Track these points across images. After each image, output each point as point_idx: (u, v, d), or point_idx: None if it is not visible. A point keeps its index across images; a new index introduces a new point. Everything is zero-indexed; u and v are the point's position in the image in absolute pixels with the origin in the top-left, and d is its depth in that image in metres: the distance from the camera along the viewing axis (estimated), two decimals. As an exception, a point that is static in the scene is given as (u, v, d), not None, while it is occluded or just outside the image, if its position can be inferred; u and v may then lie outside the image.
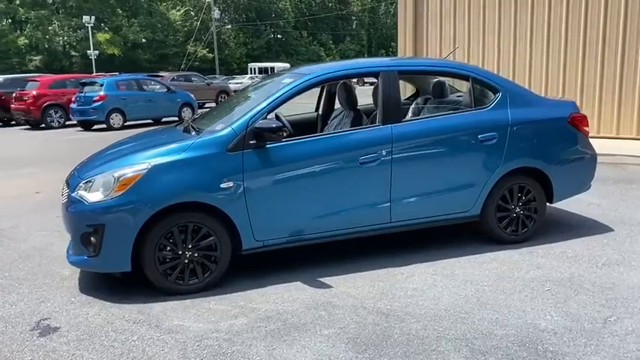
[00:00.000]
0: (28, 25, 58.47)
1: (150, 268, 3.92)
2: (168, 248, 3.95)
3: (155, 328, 3.50)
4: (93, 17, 50.27)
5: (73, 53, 61.21)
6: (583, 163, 5.08)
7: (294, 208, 4.19)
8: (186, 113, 18.39)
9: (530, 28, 10.91)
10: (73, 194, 4.01)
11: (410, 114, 5.75)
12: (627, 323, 3.37)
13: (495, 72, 11.26)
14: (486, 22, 11.42)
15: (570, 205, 5.94)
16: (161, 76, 23.40)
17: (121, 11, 61.12)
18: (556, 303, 3.67)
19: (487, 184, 4.67)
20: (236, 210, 4.01)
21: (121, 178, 3.85)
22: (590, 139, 5.17)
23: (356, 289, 4.01)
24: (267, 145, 4.08)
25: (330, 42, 75.42)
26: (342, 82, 5.10)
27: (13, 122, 19.57)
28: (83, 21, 50.59)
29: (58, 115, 18.19)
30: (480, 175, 4.65)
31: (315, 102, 5.93)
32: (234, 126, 4.08)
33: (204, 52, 59.90)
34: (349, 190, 4.30)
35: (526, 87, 7.21)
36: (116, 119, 16.74)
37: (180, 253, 3.97)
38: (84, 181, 4.01)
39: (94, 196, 3.89)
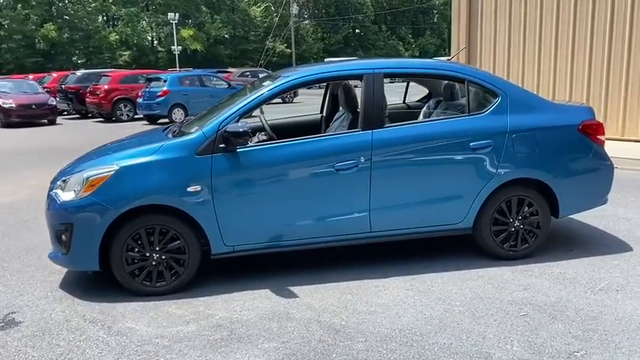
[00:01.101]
0: (119, 22, 61.94)
1: (117, 268, 3.98)
2: (136, 250, 3.98)
3: (107, 329, 3.55)
4: (177, 14, 52.40)
5: (160, 49, 64.25)
6: (596, 174, 4.61)
7: (265, 215, 4.10)
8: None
9: (590, 27, 10.12)
10: (51, 192, 4.15)
11: (421, 117, 5.50)
12: (595, 360, 3.02)
13: (552, 70, 10.61)
14: (543, 18, 10.72)
15: (595, 217, 5.45)
16: (229, 72, 23.95)
17: (205, 8, 63.26)
18: (524, 331, 3.35)
19: (480, 195, 4.35)
20: (204, 214, 3.98)
21: (89, 179, 3.92)
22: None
23: (321, 300, 3.87)
24: (238, 150, 4.01)
25: (410, 36, 74.18)
26: (343, 83, 4.94)
27: (90, 114, 20.78)
28: (168, 18, 52.92)
29: (127, 108, 19.10)
30: (471, 186, 4.34)
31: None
32: (204, 129, 4.05)
33: (283, 47, 60.88)
34: (324, 198, 4.15)
35: (533, 91, 6.67)
36: (178, 114, 17.32)
37: (148, 255, 4.00)
38: (61, 180, 4.13)
39: (66, 195, 4.00)
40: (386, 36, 72.03)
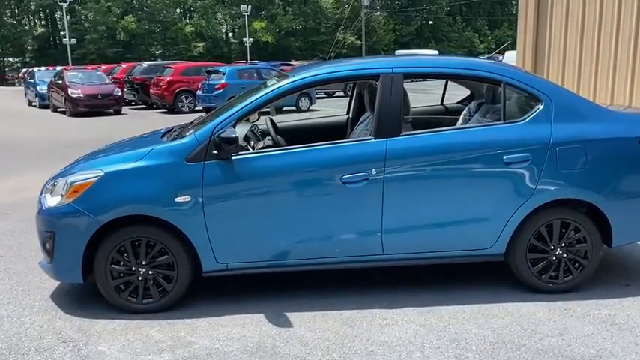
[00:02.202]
0: (195, 14, 63.43)
1: (101, 281, 3.68)
2: (122, 263, 3.67)
3: (75, 351, 3.25)
4: (250, 6, 53.02)
5: (232, 41, 65.38)
6: (661, 197, 3.85)
7: (262, 231, 3.67)
8: (304, 103, 18.38)
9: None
10: (40, 196, 3.91)
11: (460, 121, 4.88)
12: None
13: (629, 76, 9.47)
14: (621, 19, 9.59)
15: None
16: (291, 64, 23.72)
17: (277, 0, 63.61)
18: (548, 394, 2.74)
19: (514, 217, 3.72)
20: (193, 228, 3.60)
21: (73, 184, 3.64)
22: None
23: (317, 332, 3.40)
24: (233, 157, 3.59)
25: (486, 28, 71.34)
26: (369, 82, 4.43)
27: (154, 105, 21.18)
28: (241, 10, 53.62)
29: (188, 100, 19.26)
30: (504, 206, 3.71)
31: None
32: (197, 133, 3.66)
33: (353, 39, 60.15)
34: (330, 214, 3.67)
35: (606, 100, 5.74)
36: (235, 106, 17.21)
37: (134, 269, 3.67)
38: (51, 183, 3.88)
39: (53, 200, 3.74)
40: (461, 27, 69.66)
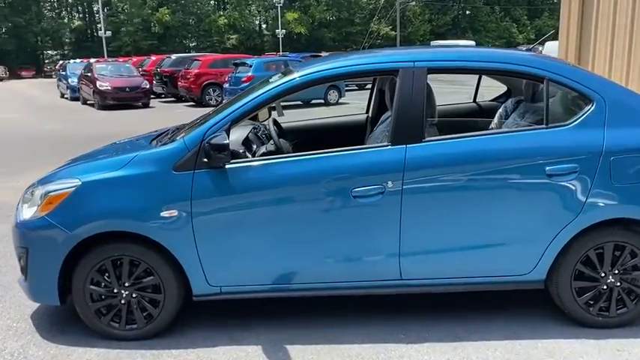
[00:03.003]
0: (228, 6, 63.39)
1: (80, 305, 3.26)
2: (102, 284, 3.24)
3: (42, 389, 2.84)
4: (283, -2, 52.64)
5: (265, 32, 65.16)
6: None
7: (260, 251, 3.19)
8: (332, 96, 17.82)
9: None
10: (18, 205, 3.51)
11: (495, 122, 4.30)
12: None
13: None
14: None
15: None
16: (319, 56, 23.17)
17: (310, -10, 63.03)
18: None
19: (557, 238, 3.13)
20: (181, 246, 3.14)
21: (49, 195, 3.21)
22: None
23: (320, 372, 2.91)
24: (227, 166, 3.11)
25: (525, 17, 69.14)
26: (390, 78, 3.88)
27: (183, 98, 20.96)
28: (274, 1, 53.26)
29: (215, 93, 18.92)
30: (545, 225, 3.13)
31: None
32: (186, 138, 3.19)
33: (387, 29, 59.10)
34: (338, 232, 3.15)
35: None
36: (262, 100, 16.79)
37: (116, 291, 3.24)
38: (29, 192, 3.46)
39: (28, 211, 3.32)
40: (499, 17, 67.70)
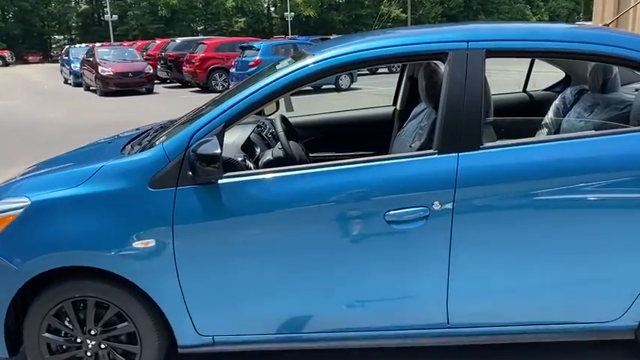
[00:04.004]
0: (236, -12, 62.21)
1: (34, 356, 2.54)
2: (62, 332, 2.52)
3: None
4: (291, -21, 51.49)
5: (274, 15, 64.00)
6: None
7: (264, 289, 2.44)
8: (344, 81, 16.93)
9: None
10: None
11: (550, 116, 3.52)
12: None
13: None
14: None
15: None
16: (328, 39, 22.25)
17: (320, -28, 61.65)
18: None
19: (658, 276, 2.36)
20: (160, 285, 2.41)
21: (-9, 218, 2.48)
22: None
23: None
24: (220, 181, 2.35)
25: (539, -2, 67.42)
26: (425, 63, 3.10)
27: (188, 83, 20.17)
28: (282, -17, 52.15)
29: (222, 78, 18.10)
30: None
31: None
32: (166, 144, 2.42)
33: (398, 12, 57.67)
34: (366, 268, 2.40)
35: None
36: (271, 85, 15.97)
37: (80, 340, 2.52)
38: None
39: (-32, 238, 2.59)
40: (512, -1, 66.07)
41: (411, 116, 3.46)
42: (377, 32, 3.01)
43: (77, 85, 21.42)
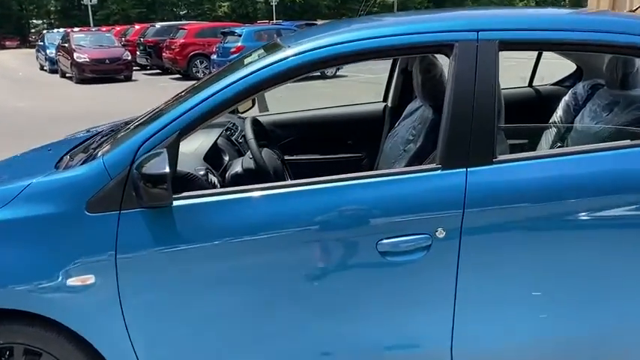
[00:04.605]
0: (219, -28, 60.98)
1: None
2: (-16, 385, 2.07)
3: None
4: (275, -38, 50.52)
5: (258, -1, 62.89)
6: None
7: (231, 338, 2.01)
8: (330, 68, 16.39)
9: None
10: None
11: (559, 114, 3.13)
12: None
13: None
14: None
15: None
16: (314, 24, 21.70)
17: (306, -46, 60.59)
18: None
19: None
20: (102, 329, 1.96)
21: None
22: None
23: None
24: (176, 203, 1.89)
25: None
26: (420, 56, 2.67)
27: (169, 70, 19.51)
28: (267, -35, 51.13)
29: (203, 65, 17.50)
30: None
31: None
32: (107, 157, 1.96)
33: (385, -4, 56.97)
34: (353, 310, 1.97)
35: None
36: (254, 73, 15.42)
37: (6, 395, 2.07)
38: None
39: None
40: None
41: (404, 114, 3.04)
42: (366, 19, 2.53)
43: (53, 71, 20.68)
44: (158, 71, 20.31)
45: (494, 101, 1.92)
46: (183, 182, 2.00)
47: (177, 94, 2.48)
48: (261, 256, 1.92)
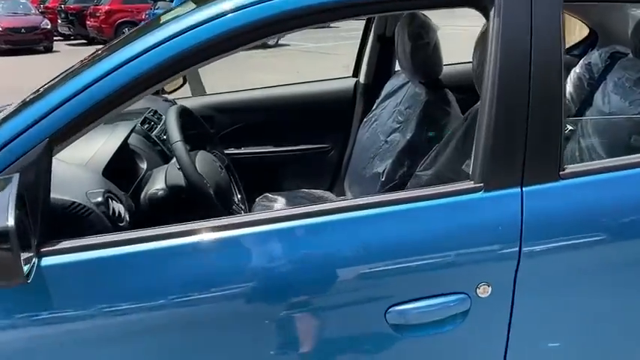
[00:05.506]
0: None
1: None
2: None
3: None
4: None
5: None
6: None
7: None
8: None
9: None
10: None
11: (569, 89, 2.48)
12: None
13: None
14: None
15: None
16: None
17: None
18: None
19: None
20: None
21: None
22: None
23: None
24: (44, 263, 1.10)
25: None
26: (407, 16, 1.96)
27: (96, 40, 17.97)
28: None
29: (132, 34, 16.14)
30: None
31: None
32: None
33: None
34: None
35: None
36: (188, 42, 14.31)
37: None
38: None
39: None
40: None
41: (383, 94, 2.33)
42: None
43: (-35, 42, 18.66)
44: (83, 41, 18.69)
45: (560, 82, 1.23)
46: (65, 220, 1.21)
47: (66, 70, 1.68)
48: (192, 340, 1.17)
